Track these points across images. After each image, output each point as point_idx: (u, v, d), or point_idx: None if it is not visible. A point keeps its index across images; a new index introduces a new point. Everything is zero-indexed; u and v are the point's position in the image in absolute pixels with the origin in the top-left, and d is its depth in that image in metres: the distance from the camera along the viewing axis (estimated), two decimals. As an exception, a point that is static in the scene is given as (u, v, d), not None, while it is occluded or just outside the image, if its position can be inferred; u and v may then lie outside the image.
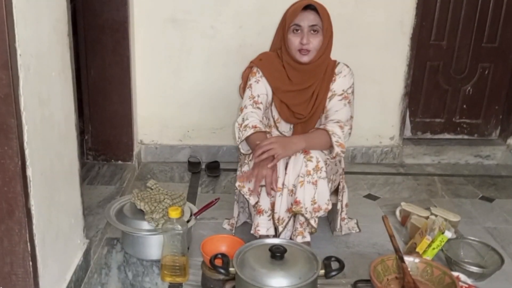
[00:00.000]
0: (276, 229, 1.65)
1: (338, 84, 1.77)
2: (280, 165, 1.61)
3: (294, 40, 1.69)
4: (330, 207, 1.64)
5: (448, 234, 1.67)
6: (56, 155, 1.34)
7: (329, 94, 1.77)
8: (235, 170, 1.94)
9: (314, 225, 1.62)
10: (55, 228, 1.34)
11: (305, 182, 1.58)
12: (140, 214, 1.70)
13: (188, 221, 1.68)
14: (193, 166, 2.60)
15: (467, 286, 1.48)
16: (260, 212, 1.65)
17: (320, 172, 1.59)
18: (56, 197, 1.34)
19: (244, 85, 1.85)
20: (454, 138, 2.88)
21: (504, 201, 2.33)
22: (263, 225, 1.64)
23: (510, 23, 2.70)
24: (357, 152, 2.75)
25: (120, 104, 2.44)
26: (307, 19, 1.67)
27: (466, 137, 2.89)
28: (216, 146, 2.70)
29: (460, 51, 2.74)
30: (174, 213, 1.53)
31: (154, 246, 1.67)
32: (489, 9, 2.68)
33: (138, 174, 2.53)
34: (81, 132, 2.27)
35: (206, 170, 2.56)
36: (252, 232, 1.67)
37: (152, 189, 1.84)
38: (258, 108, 1.74)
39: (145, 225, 1.67)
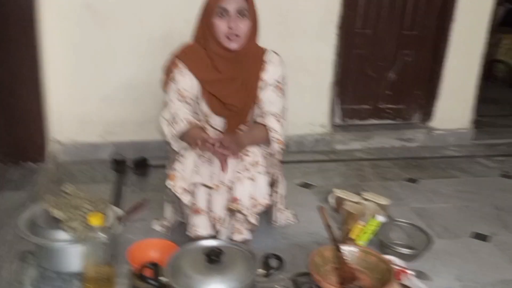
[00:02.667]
0: (214, 228, 1.56)
1: (269, 73, 1.71)
2: (217, 161, 1.52)
3: (220, 25, 1.58)
4: (269, 202, 1.59)
5: (380, 218, 1.72)
6: None
7: (261, 83, 1.70)
8: (165, 166, 1.81)
9: (254, 222, 1.56)
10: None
11: (242, 178, 1.51)
12: (56, 222, 1.52)
13: (111, 227, 1.53)
14: (118, 165, 2.42)
15: (400, 268, 1.51)
16: (197, 211, 1.55)
17: (258, 167, 1.53)
18: None
19: (167, 80, 1.71)
20: (380, 123, 2.98)
21: (427, 181, 2.45)
22: (201, 225, 1.55)
23: (429, 11, 2.82)
24: (290, 141, 2.73)
25: (28, 99, 2.21)
26: (234, 2, 1.57)
27: (390, 121, 3.00)
28: (143, 141, 2.53)
29: (383, 39, 2.82)
30: (94, 220, 1.39)
31: (73, 257, 1.50)
32: (410, -2, 2.78)
33: (54, 177, 2.29)
34: (-18, 133, 2.01)
35: (133, 168, 2.40)
36: (189, 234, 1.56)
37: (69, 194, 1.65)
38: (186, 102, 1.63)
39: (61, 234, 1.50)
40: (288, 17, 2.51)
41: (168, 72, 1.71)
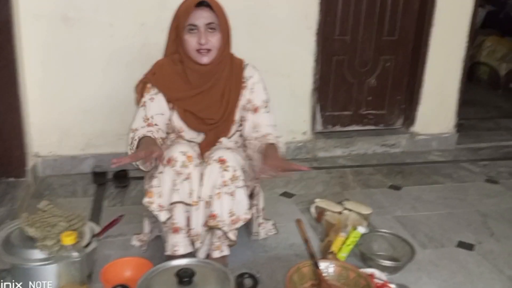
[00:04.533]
0: (193, 245, 1.54)
1: (257, 95, 1.69)
2: (195, 176, 1.51)
3: (191, 41, 1.57)
4: (249, 216, 1.58)
5: (361, 230, 1.68)
6: None
7: (249, 105, 1.69)
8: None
9: (233, 237, 1.55)
10: None
11: (222, 194, 1.50)
12: (31, 241, 1.49)
13: (87, 245, 1.51)
14: (99, 177, 2.38)
15: (382, 282, 1.49)
16: (176, 230, 1.53)
17: (237, 182, 1.52)
18: None
19: (139, 98, 1.70)
20: (361, 129, 2.97)
21: (410, 188, 2.44)
22: (181, 243, 1.53)
23: (407, 16, 2.83)
24: (272, 149, 2.72)
25: (7, 113, 2.17)
26: (202, 17, 1.55)
27: (372, 127, 3.00)
28: (124, 153, 2.38)
29: (363, 45, 2.82)
30: (67, 239, 1.36)
31: (49, 276, 1.47)
32: (388, 3, 2.78)
33: (35, 191, 2.26)
34: (-41, 148, 1.97)
35: (113, 180, 2.37)
36: (168, 253, 1.54)
37: (44, 211, 1.62)
38: (150, 125, 1.63)
39: (37, 253, 1.47)
40: (261, 21, 2.48)
41: (141, 92, 1.69)
